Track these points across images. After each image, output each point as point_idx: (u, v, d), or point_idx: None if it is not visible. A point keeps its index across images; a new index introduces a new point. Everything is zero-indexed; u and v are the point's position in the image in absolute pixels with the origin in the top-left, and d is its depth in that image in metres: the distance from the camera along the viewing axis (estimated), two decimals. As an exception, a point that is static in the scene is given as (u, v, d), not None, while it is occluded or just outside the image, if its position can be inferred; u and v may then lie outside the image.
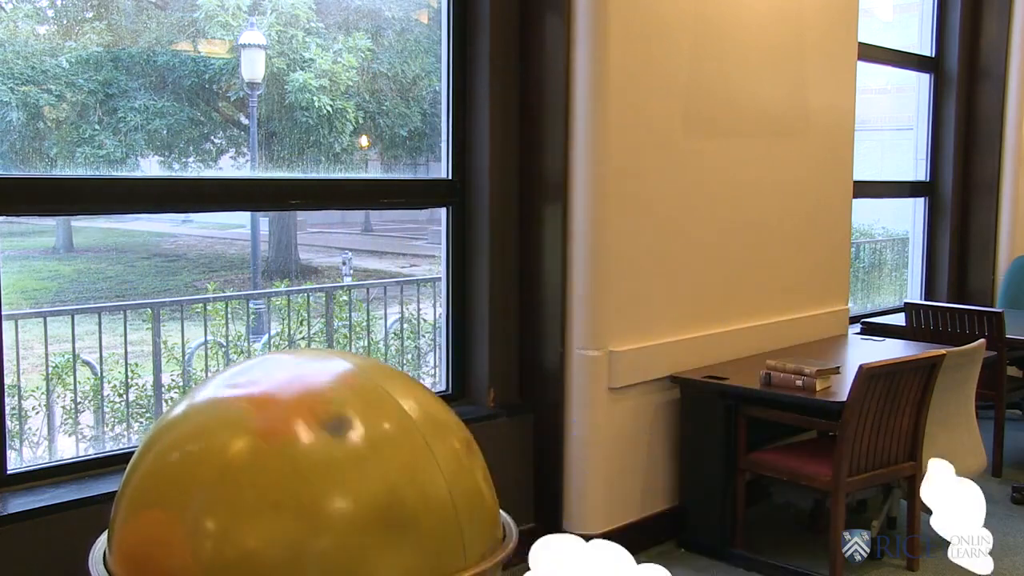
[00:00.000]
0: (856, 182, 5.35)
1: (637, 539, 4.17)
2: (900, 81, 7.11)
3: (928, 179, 6.75)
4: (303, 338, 5.05)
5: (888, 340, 5.05)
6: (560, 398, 3.99)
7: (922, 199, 6.78)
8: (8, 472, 2.98)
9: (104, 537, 2.13)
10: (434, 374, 4.64)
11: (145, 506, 1.93)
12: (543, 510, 4.09)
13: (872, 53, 5.89)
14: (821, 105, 4.98)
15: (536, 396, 4.09)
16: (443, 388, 4.12)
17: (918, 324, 5.27)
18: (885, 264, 7.75)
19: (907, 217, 6.95)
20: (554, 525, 4.01)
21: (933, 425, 3.90)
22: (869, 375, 3.58)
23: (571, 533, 4.04)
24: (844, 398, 3.63)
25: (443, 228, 4.09)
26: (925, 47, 6.68)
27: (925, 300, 6.57)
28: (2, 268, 2.92)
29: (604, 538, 3.80)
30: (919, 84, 6.76)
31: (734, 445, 4.00)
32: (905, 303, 5.53)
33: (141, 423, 4.47)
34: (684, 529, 4.25)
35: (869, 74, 6.15)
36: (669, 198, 4.18)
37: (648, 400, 4.17)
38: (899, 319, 5.56)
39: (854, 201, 5.37)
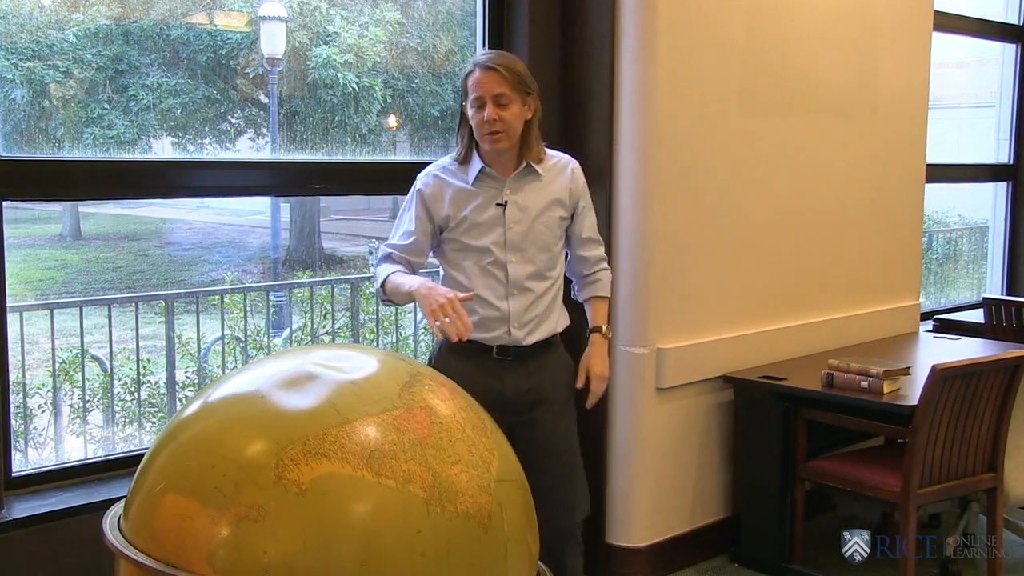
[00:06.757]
0: (929, 165, 5.28)
1: (686, 553, 4.16)
2: (981, 53, 7.00)
3: (1011, 162, 6.64)
4: (327, 333, 5.09)
5: (964, 338, 4.99)
6: (603, 399, 3.97)
7: (1004, 184, 6.67)
8: (12, 475, 3.03)
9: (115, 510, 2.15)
10: (467, 373, 4.65)
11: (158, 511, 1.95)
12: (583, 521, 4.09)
13: (949, 22, 5.80)
14: (891, 81, 4.91)
15: (576, 396, 4.08)
16: (476, 388, 4.12)
17: (998, 321, 5.21)
18: (961, 255, 7.66)
19: (987, 204, 6.85)
20: (596, 537, 4.01)
21: (1016, 433, 3.85)
22: (943, 377, 3.54)
23: (614, 545, 4.06)
24: (915, 402, 3.59)
25: (477, 215, 4.09)
26: (1011, 14, 6.56)
27: (1006, 295, 6.48)
28: (6, 257, 2.96)
29: (650, 551, 3.78)
30: (1003, 56, 6.64)
31: (792, 452, 3.97)
32: (984, 298, 5.47)
33: (153, 423, 4.53)
34: (737, 543, 4.23)
35: (945, 46, 6.06)
36: (723, 182, 4.16)
37: (699, 402, 4.15)
38: (977, 316, 5.51)
39: (927, 186, 5.30)
